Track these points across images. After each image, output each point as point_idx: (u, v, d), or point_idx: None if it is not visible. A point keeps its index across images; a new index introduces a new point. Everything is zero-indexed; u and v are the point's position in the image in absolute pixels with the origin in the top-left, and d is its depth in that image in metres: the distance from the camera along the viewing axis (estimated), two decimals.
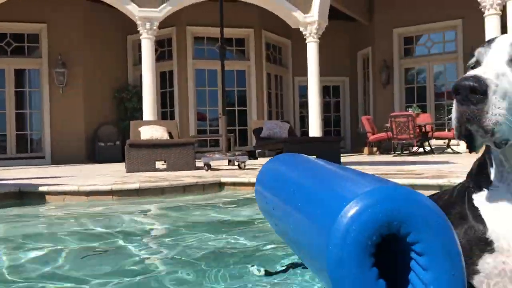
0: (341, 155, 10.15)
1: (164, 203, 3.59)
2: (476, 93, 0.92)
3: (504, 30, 7.83)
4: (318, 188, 1.09)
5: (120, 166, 7.93)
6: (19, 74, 11.51)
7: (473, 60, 1.06)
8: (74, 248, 2.12)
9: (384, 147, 11.70)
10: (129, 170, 5.84)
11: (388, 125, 10.21)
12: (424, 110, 12.03)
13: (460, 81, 0.93)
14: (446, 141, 10.82)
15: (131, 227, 2.64)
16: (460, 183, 1.22)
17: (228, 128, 12.12)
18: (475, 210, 1.09)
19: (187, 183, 4.01)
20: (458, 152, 10.42)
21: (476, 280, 1.06)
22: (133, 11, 9.46)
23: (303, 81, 12.72)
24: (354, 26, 13.70)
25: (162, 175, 5.07)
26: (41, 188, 3.71)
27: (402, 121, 9.80)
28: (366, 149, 11.93)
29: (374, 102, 13.19)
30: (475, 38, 10.78)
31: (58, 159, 11.08)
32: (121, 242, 2.20)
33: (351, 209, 0.89)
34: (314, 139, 7.94)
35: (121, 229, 2.56)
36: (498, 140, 0.97)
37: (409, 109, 11.05)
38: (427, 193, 1.86)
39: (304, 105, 13.60)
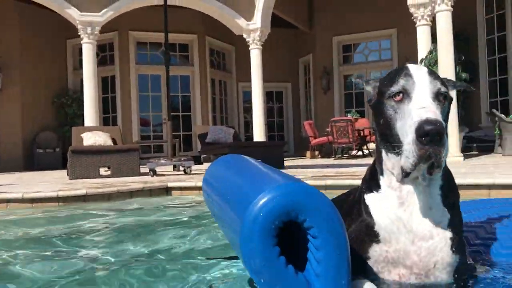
0: (285, 158, 10.40)
1: (112, 210, 3.60)
2: (440, 135, 1.12)
3: (434, 38, 8.35)
4: (243, 183, 1.32)
5: (61, 173, 7.75)
6: None
7: (396, 89, 1.24)
8: (22, 253, 2.13)
9: (326, 150, 12.10)
10: (72, 177, 5.75)
11: (329, 129, 10.60)
12: (362, 115, 12.56)
13: (429, 125, 1.11)
14: None
15: (77, 232, 2.67)
16: (360, 186, 1.49)
17: (172, 133, 12.17)
18: (366, 208, 1.37)
19: (134, 189, 4.05)
20: None
21: (368, 265, 1.34)
22: (74, 15, 9.27)
23: (247, 87, 12.94)
24: (296, 33, 14.10)
25: (108, 181, 5.05)
26: None
27: (342, 125, 10.20)
28: (308, 153, 12.29)
29: (316, 107, 13.62)
30: (408, 47, 11.44)
31: None
32: (66, 247, 2.24)
33: (260, 200, 1.14)
34: (258, 143, 8.14)
35: (66, 234, 2.59)
36: (440, 169, 1.21)
37: (348, 114, 11.51)
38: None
39: (248, 110, 13.81)
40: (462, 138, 8.35)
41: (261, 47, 10.28)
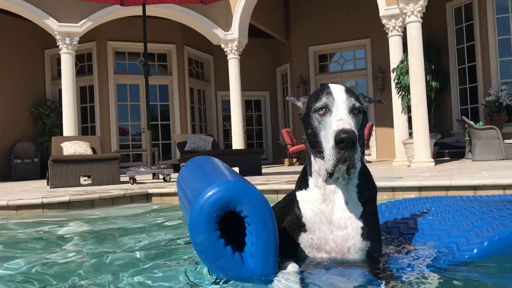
0: (263, 166, 10.57)
1: (95, 216, 3.71)
2: (353, 142, 1.41)
3: (405, 48, 8.65)
4: (200, 180, 1.62)
5: (41, 183, 7.77)
6: None
7: (319, 105, 1.53)
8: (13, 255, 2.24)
9: (303, 157, 12.33)
10: (53, 186, 5.81)
11: (306, 137, 10.83)
12: None
13: (344, 134, 1.41)
14: None
15: (62, 236, 2.78)
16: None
17: (152, 142, 12.23)
18: (297, 203, 1.68)
19: (116, 195, 4.15)
20: (369, 162, 11.26)
21: (298, 250, 1.66)
22: (52, 26, 9.33)
23: (225, 96, 13.12)
24: (273, 43, 14.35)
25: (90, 189, 5.14)
26: None
27: None
28: (286, 160, 12.51)
29: (293, 115, 13.86)
30: (381, 56, 11.79)
31: None
32: (55, 251, 2.36)
33: (206, 193, 1.46)
34: (236, 151, 8.29)
35: (52, 237, 2.70)
36: (355, 170, 1.51)
37: None
38: None
39: (227, 118, 13.98)
40: (433, 144, 8.65)
41: (239, 56, 10.47)
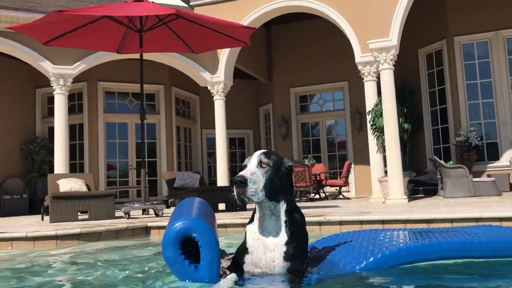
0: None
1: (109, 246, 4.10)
2: (242, 182, 2.15)
3: (380, 91, 9.30)
4: (175, 216, 2.33)
5: (34, 219, 8.05)
6: None
7: (244, 164, 2.33)
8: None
9: None
10: (53, 220, 6.15)
11: None
12: (319, 161, 13.43)
13: (236, 178, 2.16)
14: (338, 188, 12.17)
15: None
16: None
17: (137, 179, 12.60)
18: (246, 233, 2.43)
19: (120, 228, 4.55)
20: (348, 198, 11.78)
21: (244, 266, 2.37)
22: (47, 68, 9.81)
23: (210, 133, 13.63)
24: (256, 84, 15.05)
25: (94, 223, 5.50)
26: None
27: (300, 170, 10.96)
28: None
29: None
30: (359, 98, 12.49)
31: None
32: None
33: (173, 225, 2.20)
34: (222, 188, 8.73)
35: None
36: (257, 201, 2.22)
37: (306, 160, 12.33)
38: (310, 227, 3.14)
39: (211, 155, 14.46)
40: (408, 182, 9.21)
41: (224, 98, 11.04)
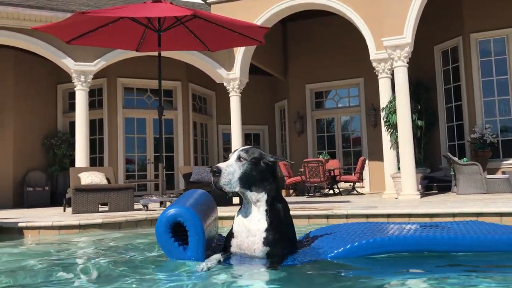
0: None
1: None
2: (217, 172, 2.55)
3: (394, 88, 9.38)
4: (173, 204, 2.73)
5: (56, 210, 8.38)
6: None
7: (229, 156, 2.70)
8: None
9: (300, 189, 12.96)
10: (75, 211, 6.44)
11: (302, 169, 11.49)
12: (333, 157, 13.55)
13: (213, 168, 2.57)
14: (352, 184, 12.29)
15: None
16: None
17: (155, 172, 12.90)
18: (234, 220, 2.79)
19: (139, 219, 4.82)
20: (362, 194, 11.90)
21: (231, 248, 2.73)
22: (69, 65, 10.14)
23: (226, 129, 13.84)
24: (272, 80, 15.20)
25: (111, 214, 5.79)
26: (20, 224, 4.33)
27: (313, 166, 11.11)
28: (284, 191, 13.13)
29: (291, 149, 14.57)
30: (374, 94, 12.54)
31: None
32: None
33: (166, 212, 2.67)
34: None
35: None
36: (231, 191, 2.60)
37: (320, 155, 12.47)
38: (318, 220, 3.51)
39: (227, 150, 14.68)
40: (420, 178, 9.30)
41: (240, 94, 11.23)
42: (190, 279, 2.29)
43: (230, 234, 2.77)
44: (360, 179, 12.08)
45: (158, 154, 12.82)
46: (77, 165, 9.79)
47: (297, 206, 6.45)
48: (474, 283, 2.13)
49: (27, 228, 4.36)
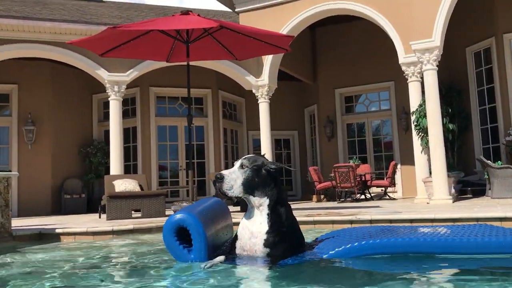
0: (292, 202, 11.20)
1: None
2: (220, 178, 2.78)
3: (424, 91, 9.29)
4: (182, 210, 2.97)
5: (92, 217, 8.67)
6: None
7: (234, 163, 2.92)
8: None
9: (330, 194, 12.92)
10: (109, 218, 6.67)
11: (332, 174, 11.47)
12: (364, 161, 13.47)
13: (216, 175, 2.81)
14: (384, 189, 12.18)
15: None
16: None
17: (187, 179, 13.13)
18: (242, 221, 3.00)
19: None
20: (394, 199, 11.78)
21: (235, 250, 2.95)
22: (103, 75, 10.49)
23: (256, 135, 13.95)
24: (301, 86, 15.25)
25: (143, 220, 5.98)
26: (57, 230, 4.56)
27: (344, 171, 11.08)
28: (314, 197, 13.13)
29: (321, 154, 14.55)
30: (405, 98, 12.40)
31: (25, 212, 11.57)
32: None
33: (172, 217, 2.94)
34: None
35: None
36: (233, 195, 2.83)
37: (350, 160, 12.41)
38: (342, 226, 3.63)
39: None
40: (452, 182, 9.15)
41: (268, 100, 11.33)
42: (188, 277, 2.56)
43: (235, 237, 2.99)
44: (392, 183, 11.96)
45: (188, 161, 13.10)
46: (111, 172, 10.09)
47: (323, 211, 6.48)
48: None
49: (64, 234, 4.60)
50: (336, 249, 2.87)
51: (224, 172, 2.82)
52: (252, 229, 2.88)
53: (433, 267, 2.69)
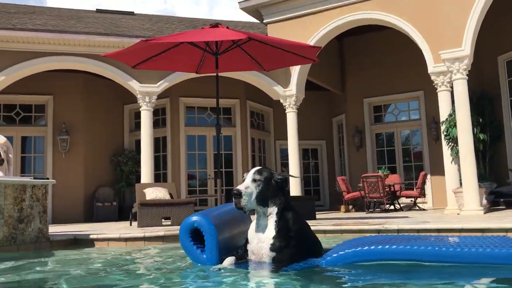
0: (319, 212, 11.20)
1: None
2: (238, 195, 2.94)
3: (454, 100, 9.17)
4: (198, 214, 3.23)
5: (123, 224, 8.87)
6: (25, 141, 12.60)
7: (244, 177, 3.12)
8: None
9: (359, 205, 12.84)
10: (140, 225, 6.83)
11: (361, 185, 11.41)
12: (393, 171, 13.33)
13: (234, 191, 2.97)
14: (413, 199, 12.02)
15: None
16: None
17: (215, 188, 13.27)
18: (251, 226, 3.21)
19: None
20: (423, 209, 11.61)
21: (246, 253, 3.15)
22: (134, 86, 10.77)
23: (284, 144, 14.00)
24: (329, 95, 15.25)
25: (176, 228, 6.10)
26: (91, 236, 4.73)
27: (372, 181, 11.01)
28: (342, 207, 13.06)
29: (349, 164, 14.48)
30: (435, 107, 12.26)
31: (58, 219, 11.91)
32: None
33: (187, 219, 3.23)
34: (293, 198, 9.06)
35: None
36: (247, 210, 3.02)
37: (379, 170, 12.31)
38: (368, 235, 3.68)
39: (285, 165, 14.83)
40: (484, 193, 8.98)
41: (296, 110, 11.39)
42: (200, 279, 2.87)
43: (246, 241, 3.18)
44: (422, 194, 11.80)
45: (217, 170, 13.25)
46: (142, 181, 10.32)
47: (350, 221, 6.48)
48: None
49: (97, 239, 4.77)
50: (329, 257, 3.05)
51: (241, 188, 2.95)
52: (260, 235, 3.05)
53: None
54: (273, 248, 2.95)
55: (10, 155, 5.28)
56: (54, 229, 7.06)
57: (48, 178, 5.19)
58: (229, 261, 3.02)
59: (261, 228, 3.04)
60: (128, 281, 2.84)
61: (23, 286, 2.86)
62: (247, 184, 2.98)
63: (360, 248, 2.98)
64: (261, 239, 3.01)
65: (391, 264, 2.96)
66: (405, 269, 2.92)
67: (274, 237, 2.97)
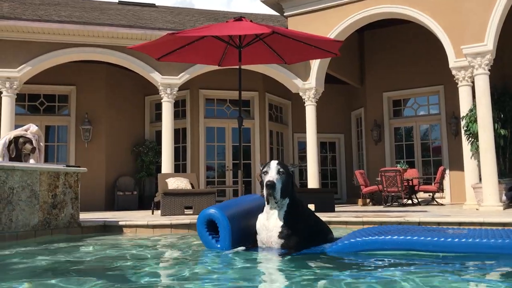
0: (337, 205, 11.28)
1: None
2: (273, 186, 3.15)
3: (475, 96, 9.14)
4: (215, 205, 3.58)
5: (144, 213, 9.07)
6: (48, 130, 12.90)
7: (264, 170, 3.35)
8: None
9: (377, 198, 12.87)
10: (163, 213, 7.01)
11: (379, 178, 11.44)
12: (412, 166, 13.32)
13: (267, 182, 3.18)
14: (431, 194, 12.02)
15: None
16: None
17: (233, 179, 13.44)
18: (259, 218, 3.47)
19: None
20: (442, 204, 11.61)
21: (258, 244, 3.43)
22: (156, 78, 10.95)
23: (302, 137, 14.08)
24: (348, 89, 15.25)
25: (195, 217, 6.29)
26: (120, 223, 4.91)
27: (391, 175, 11.04)
28: (360, 201, 13.11)
29: (367, 158, 14.50)
30: (455, 102, 12.21)
31: (80, 207, 12.15)
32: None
33: (205, 211, 3.54)
34: (312, 190, 9.16)
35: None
36: (277, 200, 3.23)
37: (398, 164, 12.32)
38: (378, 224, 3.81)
39: (303, 158, 14.91)
40: (504, 189, 8.95)
41: (315, 103, 11.45)
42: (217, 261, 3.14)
43: (255, 232, 3.42)
44: (440, 189, 11.79)
45: (236, 161, 13.39)
46: (163, 171, 10.50)
47: (370, 214, 6.56)
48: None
49: (126, 226, 4.95)
50: (334, 245, 3.26)
51: (273, 179, 3.12)
52: (269, 224, 3.30)
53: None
54: (281, 235, 3.20)
55: (41, 144, 5.48)
56: (81, 216, 7.27)
57: (79, 166, 5.37)
58: (240, 248, 3.29)
59: (270, 218, 3.27)
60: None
61: (96, 263, 3.21)
62: (275, 175, 3.16)
63: (363, 238, 3.18)
64: (269, 228, 3.26)
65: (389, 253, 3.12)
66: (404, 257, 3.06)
67: (282, 226, 3.22)
